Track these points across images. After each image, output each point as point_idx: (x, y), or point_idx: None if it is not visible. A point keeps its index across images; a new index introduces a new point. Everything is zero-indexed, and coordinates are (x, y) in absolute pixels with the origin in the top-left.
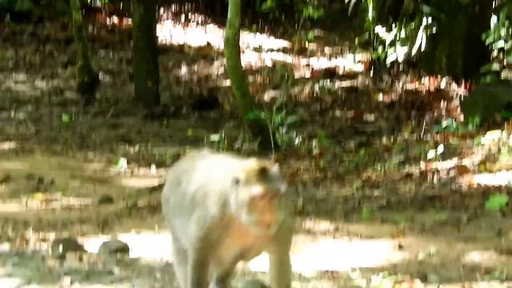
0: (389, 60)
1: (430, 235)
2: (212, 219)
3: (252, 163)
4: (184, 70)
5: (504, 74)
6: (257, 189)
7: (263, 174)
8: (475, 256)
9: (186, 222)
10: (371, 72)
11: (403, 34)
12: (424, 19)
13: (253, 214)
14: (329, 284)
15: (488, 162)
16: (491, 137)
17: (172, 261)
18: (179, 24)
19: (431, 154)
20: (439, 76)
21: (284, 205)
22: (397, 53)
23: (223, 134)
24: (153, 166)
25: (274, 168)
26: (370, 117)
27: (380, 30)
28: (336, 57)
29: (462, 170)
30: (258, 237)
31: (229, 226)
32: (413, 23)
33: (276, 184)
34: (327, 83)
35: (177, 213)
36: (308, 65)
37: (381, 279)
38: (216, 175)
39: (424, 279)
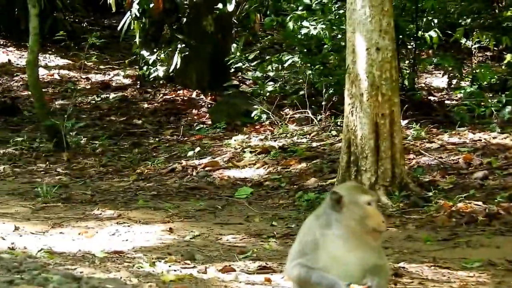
0: (152, 76)
1: (193, 220)
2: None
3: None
4: None
5: (242, 88)
6: (367, 197)
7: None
8: (230, 238)
9: None
10: (138, 85)
11: (162, 55)
12: (179, 44)
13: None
14: (117, 262)
15: (234, 159)
16: (236, 139)
17: None
18: None
19: (190, 152)
20: (191, 89)
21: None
22: (158, 71)
23: (25, 136)
24: None
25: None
26: (138, 121)
27: (144, 52)
28: (109, 73)
29: (214, 165)
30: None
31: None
32: (170, 47)
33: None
34: (104, 94)
35: None
36: (88, 78)
37: (164, 265)
38: None
39: (193, 258)
